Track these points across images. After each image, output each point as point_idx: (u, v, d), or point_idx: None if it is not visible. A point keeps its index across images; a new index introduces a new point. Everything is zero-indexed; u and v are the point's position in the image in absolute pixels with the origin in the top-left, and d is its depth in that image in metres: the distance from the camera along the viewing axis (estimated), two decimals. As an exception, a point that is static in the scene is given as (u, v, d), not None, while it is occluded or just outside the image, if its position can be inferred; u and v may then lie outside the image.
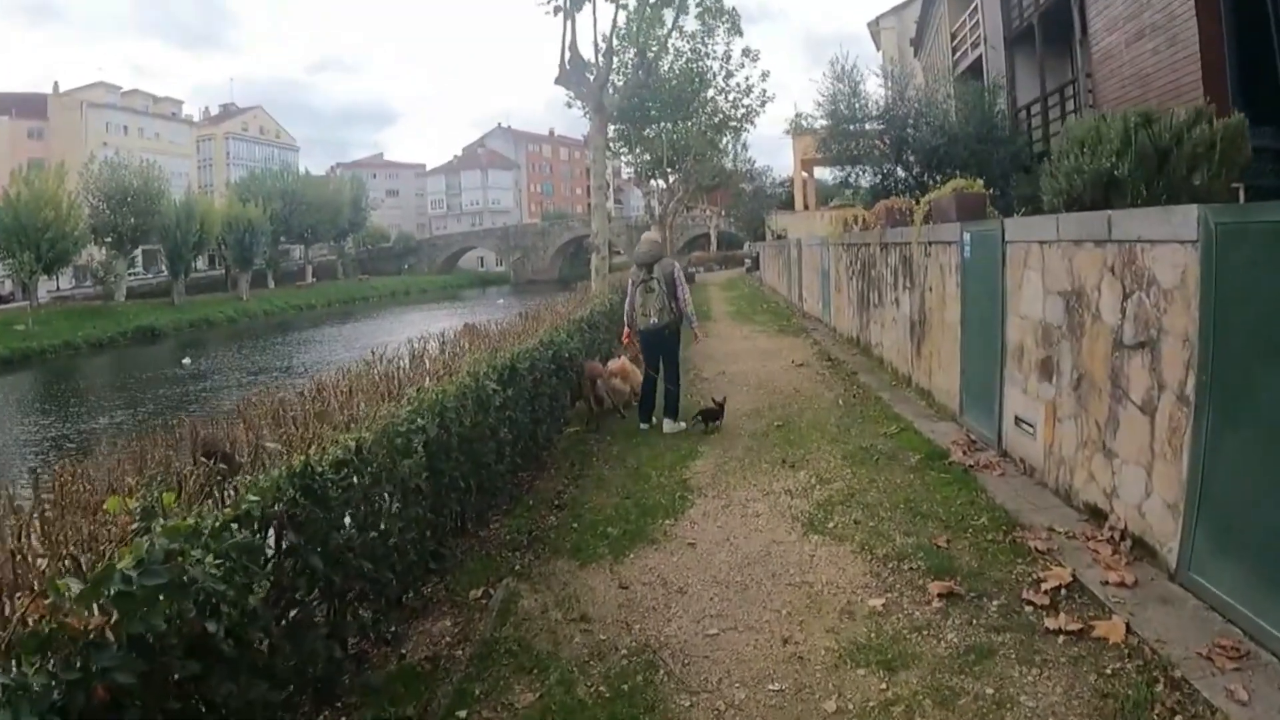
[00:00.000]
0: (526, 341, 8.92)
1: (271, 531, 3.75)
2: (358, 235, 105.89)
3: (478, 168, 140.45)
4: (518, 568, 6.42)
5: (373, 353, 7.93)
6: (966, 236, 9.50)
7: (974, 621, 5.13)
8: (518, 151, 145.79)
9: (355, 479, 4.28)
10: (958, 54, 31.02)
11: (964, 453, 8.71)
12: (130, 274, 71.21)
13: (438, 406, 5.59)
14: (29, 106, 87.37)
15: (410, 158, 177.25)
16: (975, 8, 27.87)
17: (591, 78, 17.75)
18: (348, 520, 4.39)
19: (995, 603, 5.35)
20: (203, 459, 4.25)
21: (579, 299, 16.45)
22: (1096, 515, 6.49)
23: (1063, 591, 5.44)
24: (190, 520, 3.14)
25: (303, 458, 3.90)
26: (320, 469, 3.91)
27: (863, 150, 22.30)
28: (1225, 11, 14.50)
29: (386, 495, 4.76)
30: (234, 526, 3.33)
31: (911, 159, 21.62)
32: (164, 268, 71.14)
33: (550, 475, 8.98)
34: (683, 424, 10.82)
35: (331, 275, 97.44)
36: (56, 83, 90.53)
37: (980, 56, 27.29)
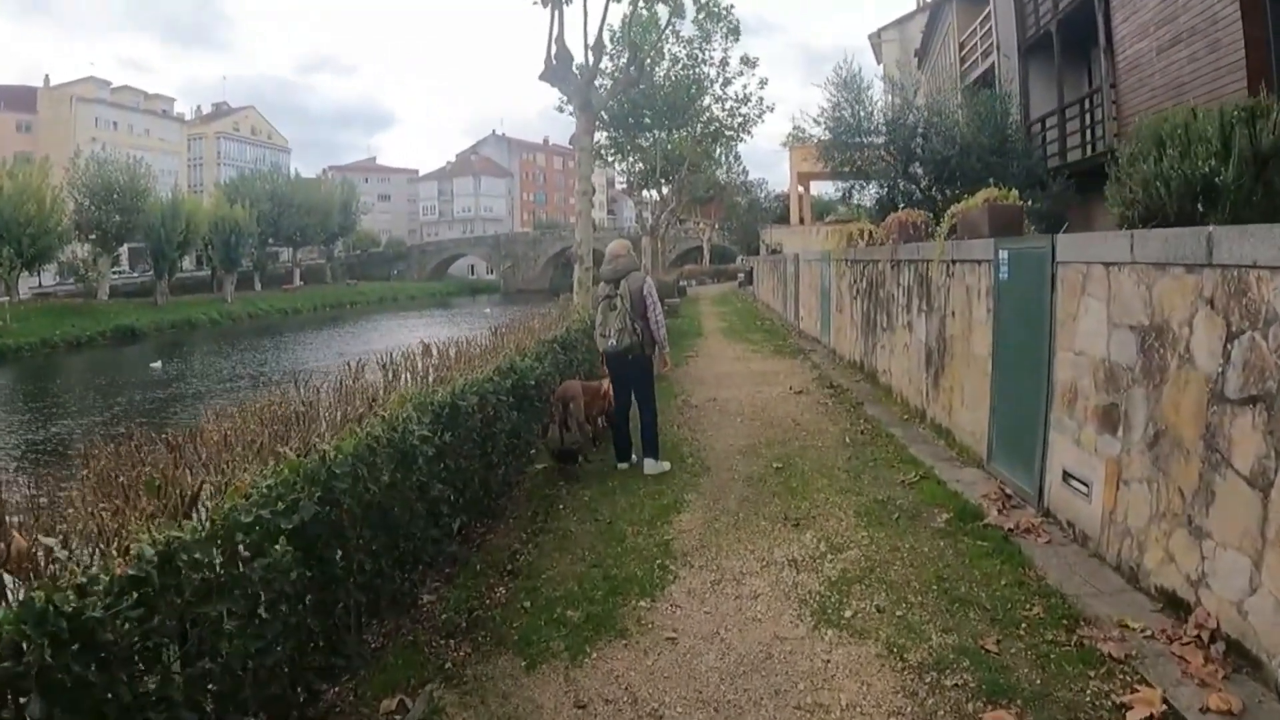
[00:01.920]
0: (479, 370, 7.45)
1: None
2: (348, 239, 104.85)
3: (471, 174, 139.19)
4: (448, 665, 4.97)
5: (295, 384, 6.58)
6: (1003, 254, 8.15)
7: (1049, 780, 3.76)
8: (511, 159, 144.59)
9: (165, 598, 2.86)
10: (967, 64, 29.85)
11: (999, 511, 7.36)
12: (115, 272, 70.61)
13: (321, 473, 4.15)
14: (18, 100, 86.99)
15: (404, 163, 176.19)
16: (988, 15, 26.66)
17: (579, 74, 16.41)
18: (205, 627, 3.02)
19: (1072, 746, 3.99)
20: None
21: (558, 314, 14.99)
22: (1174, 605, 5.17)
23: (1156, 725, 4.10)
24: None
25: (46, 592, 2.45)
26: (72, 607, 2.46)
27: (867, 161, 20.94)
28: (1273, 15, 13.26)
29: (233, 610, 3.31)
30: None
31: (919, 171, 20.29)
32: (149, 266, 69.79)
33: (507, 527, 7.50)
34: (665, 464, 9.41)
35: (320, 279, 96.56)
36: (47, 76, 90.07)
37: (992, 66, 26.05)
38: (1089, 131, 20.80)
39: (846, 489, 8.31)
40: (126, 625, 2.62)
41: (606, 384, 9.99)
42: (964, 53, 30.31)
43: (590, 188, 17.58)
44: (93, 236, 63.50)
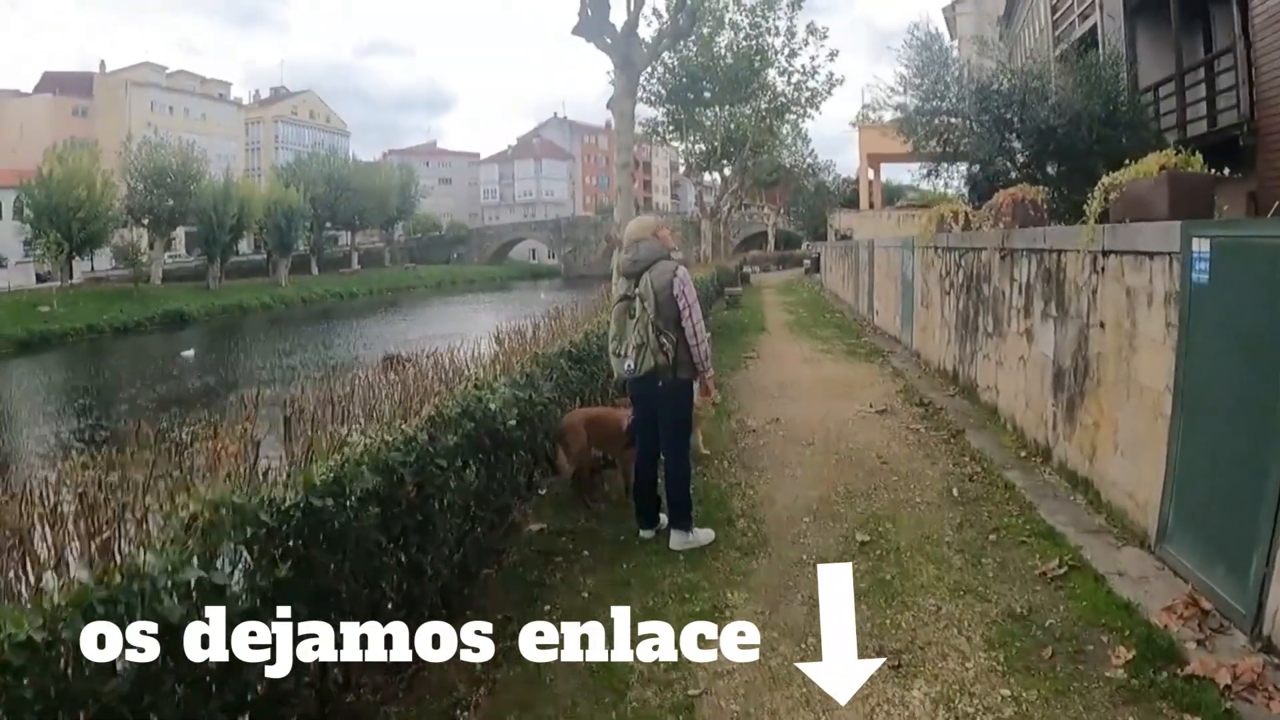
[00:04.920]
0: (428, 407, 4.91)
1: None
2: (407, 223, 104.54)
3: (532, 158, 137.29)
4: None
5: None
6: (1200, 246, 5.49)
7: None
8: (573, 143, 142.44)
9: None
10: (1060, 29, 26.77)
11: (1198, 640, 4.78)
12: (170, 257, 70.84)
13: None
14: (74, 85, 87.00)
15: (465, 146, 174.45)
16: (1087, -30, 23.61)
17: (616, 25, 13.86)
18: None
19: None
20: None
21: (585, 311, 12.33)
22: None
23: None
24: None
25: None
26: None
27: (960, 133, 18.14)
28: None
29: None
30: None
31: (1016, 145, 17.49)
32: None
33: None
34: (706, 534, 6.74)
35: (379, 263, 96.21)
36: (103, 62, 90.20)
37: (1091, 29, 22.95)
38: (1212, 102, 17.79)
39: (965, 587, 5.65)
40: None
41: (621, 412, 7.51)
42: (1056, 16, 27.22)
43: (631, 160, 15.09)
44: (145, 221, 63.77)
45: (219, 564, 3.09)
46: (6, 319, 46.34)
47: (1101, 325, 7.16)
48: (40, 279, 60.35)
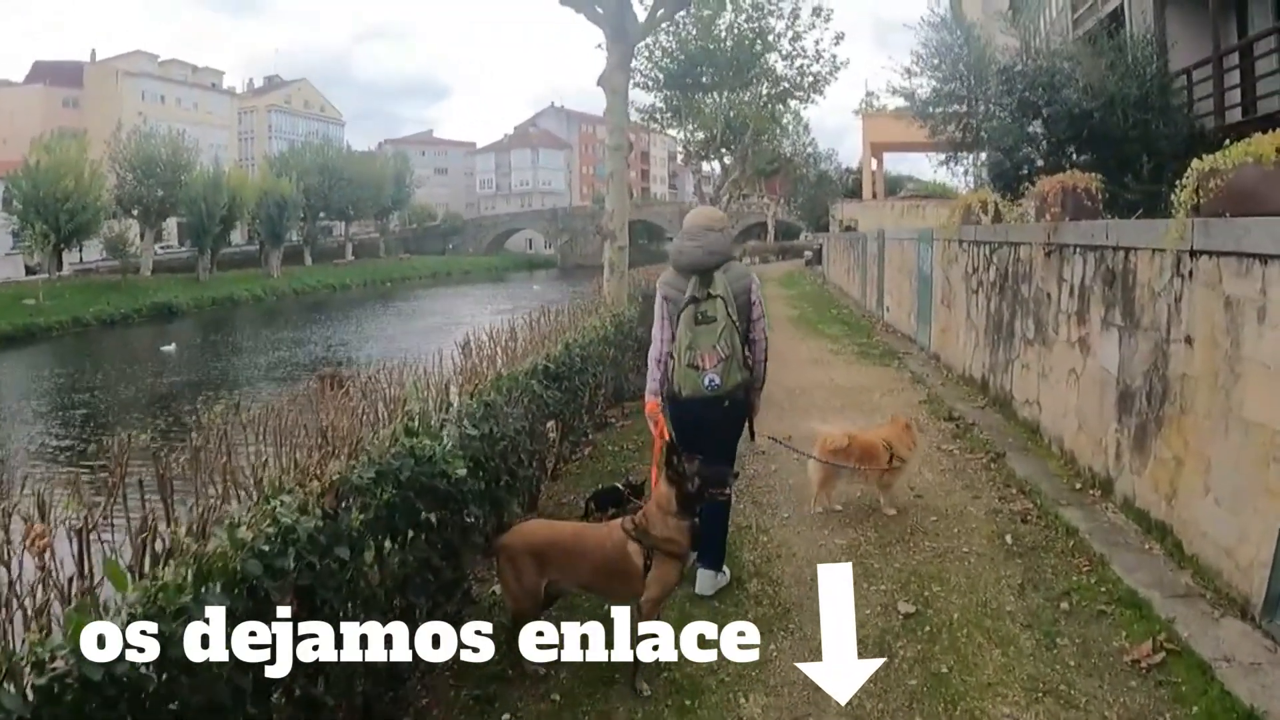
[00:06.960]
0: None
1: None
2: (402, 213, 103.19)
3: (528, 147, 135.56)
4: None
5: None
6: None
7: None
8: (570, 132, 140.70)
9: None
10: (1080, 9, 25.44)
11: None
12: (162, 248, 70.01)
13: None
14: (65, 75, 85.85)
15: (461, 135, 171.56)
16: (1112, -56, 22.29)
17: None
18: None
19: None
20: None
21: (568, 316, 10.80)
22: None
23: None
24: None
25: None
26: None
27: (981, 119, 16.81)
28: None
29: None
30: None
31: (1041, 131, 16.14)
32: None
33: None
34: (727, 573, 5.73)
35: (373, 253, 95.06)
36: (93, 50, 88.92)
37: (1117, 9, 21.66)
38: (1251, 87, 16.47)
39: (1042, 684, 4.31)
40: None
41: (602, 531, 4.92)
42: (1076, -4, 25.93)
43: (624, 142, 13.70)
44: (134, 211, 63.00)
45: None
46: (-10, 313, 45.32)
47: (1188, 341, 5.87)
48: (30, 271, 59.40)
